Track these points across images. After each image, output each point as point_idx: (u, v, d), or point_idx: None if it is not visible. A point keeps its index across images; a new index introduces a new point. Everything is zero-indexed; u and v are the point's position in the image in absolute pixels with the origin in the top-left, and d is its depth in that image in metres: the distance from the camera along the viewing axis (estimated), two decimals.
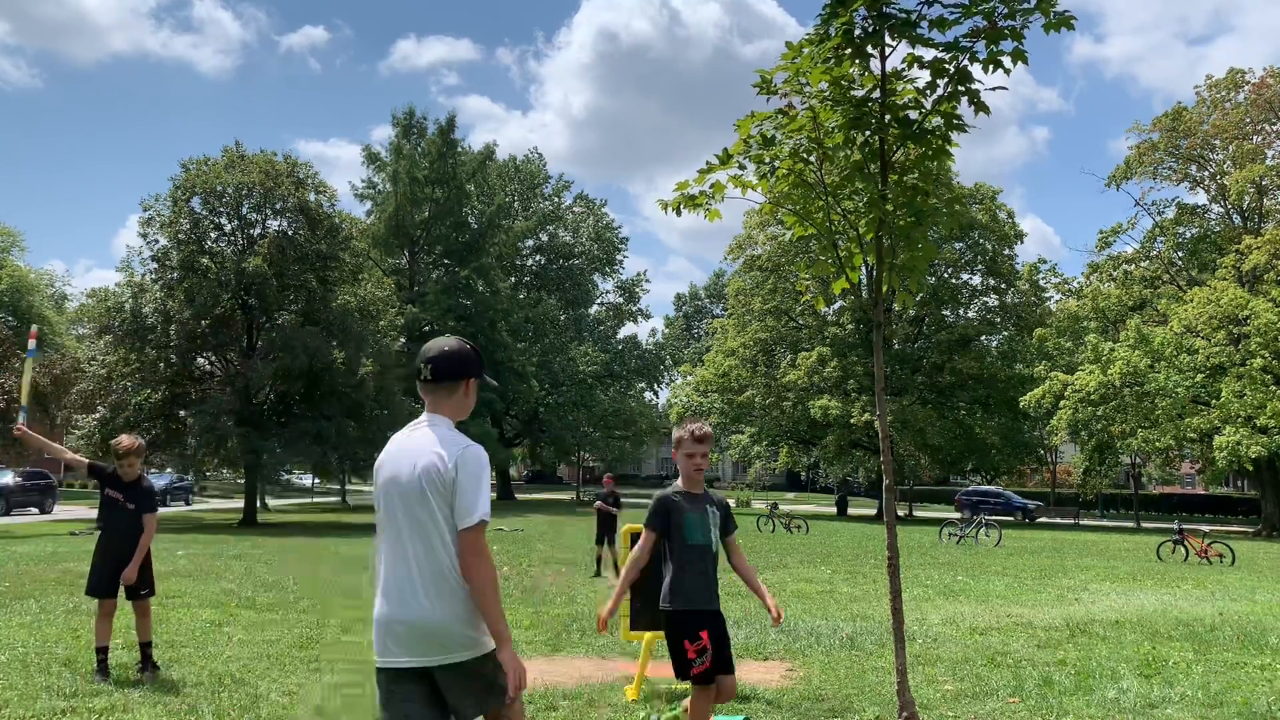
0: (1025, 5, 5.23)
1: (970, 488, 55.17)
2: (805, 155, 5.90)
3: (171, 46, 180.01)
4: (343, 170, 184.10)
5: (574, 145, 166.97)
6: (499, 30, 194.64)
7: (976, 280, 47.57)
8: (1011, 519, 46.55)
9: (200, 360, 32.65)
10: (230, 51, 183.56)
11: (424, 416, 3.38)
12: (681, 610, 4.76)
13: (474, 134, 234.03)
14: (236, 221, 32.23)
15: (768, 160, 5.92)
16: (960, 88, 5.58)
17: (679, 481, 4.97)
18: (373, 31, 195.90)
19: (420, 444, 3.28)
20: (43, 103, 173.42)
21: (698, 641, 4.70)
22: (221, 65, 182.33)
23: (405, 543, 3.24)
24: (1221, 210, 46.29)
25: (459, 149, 52.83)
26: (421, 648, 3.18)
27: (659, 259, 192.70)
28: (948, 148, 5.75)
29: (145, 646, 7.30)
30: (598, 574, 15.35)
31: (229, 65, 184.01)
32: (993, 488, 53.08)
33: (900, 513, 45.31)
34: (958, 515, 28.20)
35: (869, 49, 5.52)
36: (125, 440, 7.30)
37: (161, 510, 45.93)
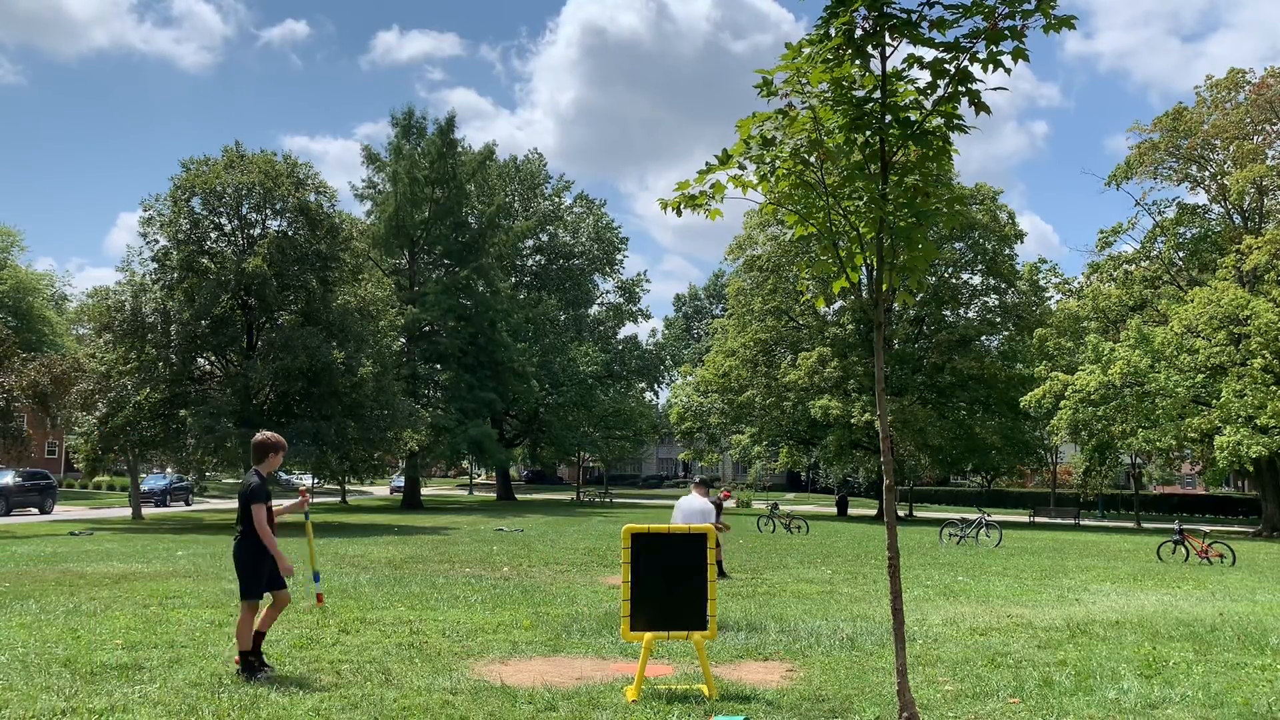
0: (1026, 6, 5.23)
1: None
2: (806, 156, 5.90)
3: (153, 42, 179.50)
4: (329, 166, 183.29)
5: (563, 142, 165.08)
6: (483, 24, 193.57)
7: (976, 280, 47.52)
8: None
9: (200, 360, 32.64)
10: (212, 48, 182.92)
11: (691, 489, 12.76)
12: None
13: (461, 130, 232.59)
14: (236, 221, 32.24)
15: (768, 161, 5.92)
16: (961, 88, 5.58)
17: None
18: (354, 25, 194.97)
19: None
20: (26, 100, 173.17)
21: None
22: (203, 61, 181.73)
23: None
24: (1222, 210, 46.23)
25: (459, 149, 52.82)
26: None
27: (654, 257, 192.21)
28: (948, 148, 5.74)
29: (258, 638, 7.39)
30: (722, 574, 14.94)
31: (210, 61, 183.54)
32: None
33: (900, 513, 45.29)
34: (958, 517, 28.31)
35: (869, 49, 5.51)
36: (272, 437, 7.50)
37: (161, 510, 45.49)
